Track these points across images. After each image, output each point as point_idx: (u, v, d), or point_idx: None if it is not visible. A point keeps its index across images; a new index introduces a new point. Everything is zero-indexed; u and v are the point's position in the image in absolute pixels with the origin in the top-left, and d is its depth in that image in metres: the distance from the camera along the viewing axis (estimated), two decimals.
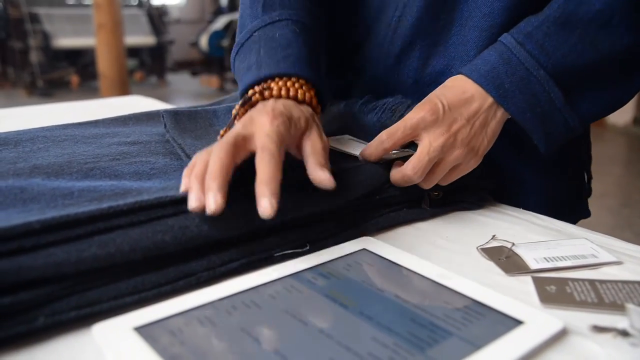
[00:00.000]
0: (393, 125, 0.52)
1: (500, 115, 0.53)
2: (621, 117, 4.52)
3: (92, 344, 0.33)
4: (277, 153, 0.42)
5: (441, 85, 0.55)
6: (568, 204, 0.70)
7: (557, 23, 0.52)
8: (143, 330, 0.33)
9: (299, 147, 0.47)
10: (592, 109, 0.55)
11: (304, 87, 0.51)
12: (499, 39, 0.55)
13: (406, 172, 0.50)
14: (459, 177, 0.54)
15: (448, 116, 0.51)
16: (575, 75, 0.53)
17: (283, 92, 0.50)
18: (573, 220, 0.70)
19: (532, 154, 0.59)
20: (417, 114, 0.51)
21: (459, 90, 0.53)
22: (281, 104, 0.48)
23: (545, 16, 0.53)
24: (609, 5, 0.51)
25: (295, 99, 0.50)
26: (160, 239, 0.38)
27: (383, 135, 0.52)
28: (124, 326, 0.33)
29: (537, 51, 0.52)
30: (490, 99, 0.52)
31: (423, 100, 0.53)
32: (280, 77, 0.51)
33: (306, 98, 0.51)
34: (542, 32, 0.52)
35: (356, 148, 0.55)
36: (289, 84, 0.51)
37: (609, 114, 0.57)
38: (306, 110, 0.50)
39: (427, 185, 0.53)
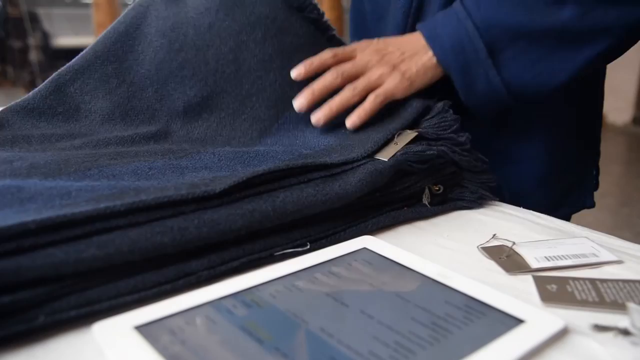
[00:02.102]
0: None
1: (430, 55, 0.58)
2: (621, 116, 4.52)
3: (92, 342, 0.33)
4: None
5: None
6: (572, 194, 0.72)
7: None
8: (143, 329, 0.33)
9: None
10: (522, 75, 0.56)
11: None
12: None
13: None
14: (385, 95, 0.57)
15: (381, 44, 0.59)
16: (505, 34, 0.55)
17: None
18: (575, 210, 0.71)
19: (537, 142, 0.62)
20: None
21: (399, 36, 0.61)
22: None
23: None
24: None
25: None
26: (159, 241, 0.37)
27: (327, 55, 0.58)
28: (124, 325, 0.33)
29: (470, 4, 0.56)
30: (423, 40, 0.58)
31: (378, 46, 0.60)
32: None
33: None
34: None
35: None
36: None
37: (542, 88, 0.57)
38: None
39: (351, 93, 0.56)
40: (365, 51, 0.58)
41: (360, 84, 0.56)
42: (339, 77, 0.56)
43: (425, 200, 0.54)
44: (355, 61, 0.57)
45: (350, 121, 0.56)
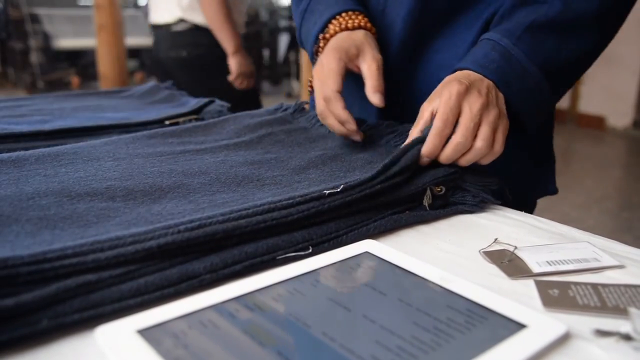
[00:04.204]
0: (440, 114, 0.55)
1: (501, 97, 0.60)
2: (621, 120, 4.53)
3: (95, 346, 0.33)
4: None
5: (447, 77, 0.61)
6: (530, 177, 0.77)
7: (540, 27, 0.62)
8: (146, 333, 0.33)
9: (358, 69, 0.65)
10: (565, 91, 0.67)
11: (352, 18, 0.69)
12: (492, 38, 0.62)
13: (458, 140, 0.54)
14: (503, 138, 0.57)
15: (474, 86, 0.57)
16: (558, 70, 0.63)
17: (337, 29, 0.68)
18: (538, 196, 0.79)
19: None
20: (450, 91, 0.56)
21: (466, 73, 0.60)
22: (334, 42, 0.66)
23: (531, 21, 0.62)
24: (581, 14, 0.62)
25: (347, 29, 0.68)
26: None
27: (439, 126, 0.55)
28: (127, 329, 0.33)
29: (529, 51, 0.61)
30: (490, 82, 0.59)
31: (439, 89, 0.58)
32: (333, 18, 0.69)
33: (355, 24, 0.68)
34: (530, 35, 0.62)
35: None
36: (339, 19, 0.69)
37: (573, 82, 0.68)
38: (357, 37, 0.66)
39: (487, 150, 0.55)
40: (468, 99, 0.56)
41: (487, 138, 0.55)
42: (470, 139, 0.55)
43: (426, 202, 0.54)
44: (473, 117, 0.55)
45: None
